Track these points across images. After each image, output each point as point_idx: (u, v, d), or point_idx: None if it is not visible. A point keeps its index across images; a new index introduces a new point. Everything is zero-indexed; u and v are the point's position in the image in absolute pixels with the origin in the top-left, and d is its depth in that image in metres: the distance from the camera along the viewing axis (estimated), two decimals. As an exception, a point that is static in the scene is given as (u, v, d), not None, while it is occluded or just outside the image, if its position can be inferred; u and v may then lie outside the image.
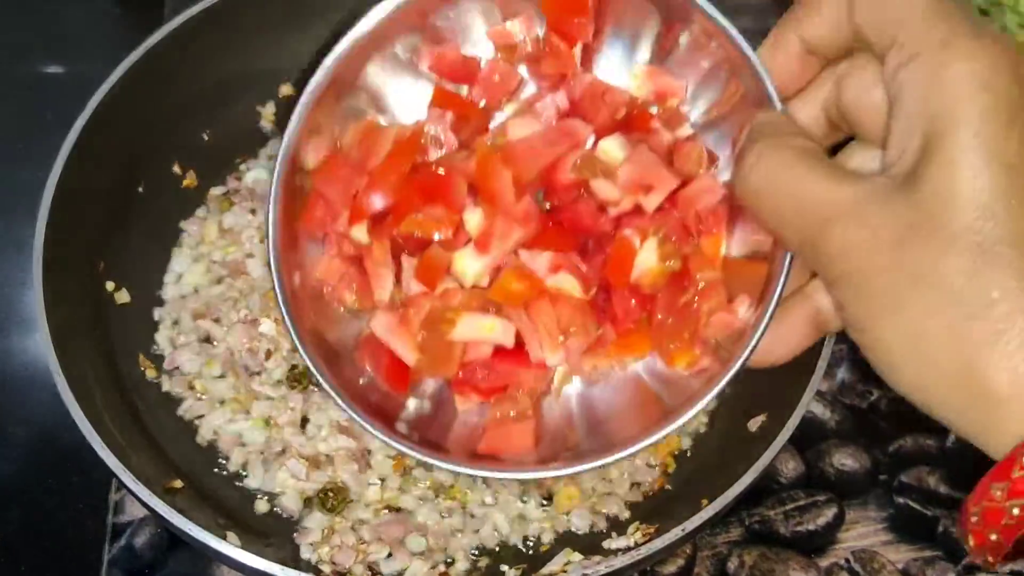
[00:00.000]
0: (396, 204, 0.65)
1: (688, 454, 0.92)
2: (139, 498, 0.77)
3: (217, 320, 0.95)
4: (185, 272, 0.98)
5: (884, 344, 0.51)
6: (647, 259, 0.62)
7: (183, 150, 1.02)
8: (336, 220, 0.66)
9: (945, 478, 0.97)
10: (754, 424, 0.87)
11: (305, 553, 0.85)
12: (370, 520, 0.87)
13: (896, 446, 0.99)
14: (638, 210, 0.63)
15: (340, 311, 0.68)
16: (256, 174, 1.04)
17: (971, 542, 0.50)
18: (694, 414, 0.60)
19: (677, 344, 0.62)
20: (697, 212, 0.62)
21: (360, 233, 0.66)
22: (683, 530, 0.76)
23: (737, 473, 0.78)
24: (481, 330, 0.64)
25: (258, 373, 0.93)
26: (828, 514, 0.95)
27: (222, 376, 0.93)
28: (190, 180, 1.02)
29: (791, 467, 0.97)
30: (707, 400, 0.60)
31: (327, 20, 1.05)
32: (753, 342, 0.59)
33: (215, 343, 0.94)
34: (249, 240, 0.99)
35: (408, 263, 0.66)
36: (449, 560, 0.86)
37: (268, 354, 0.93)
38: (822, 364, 0.82)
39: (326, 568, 0.84)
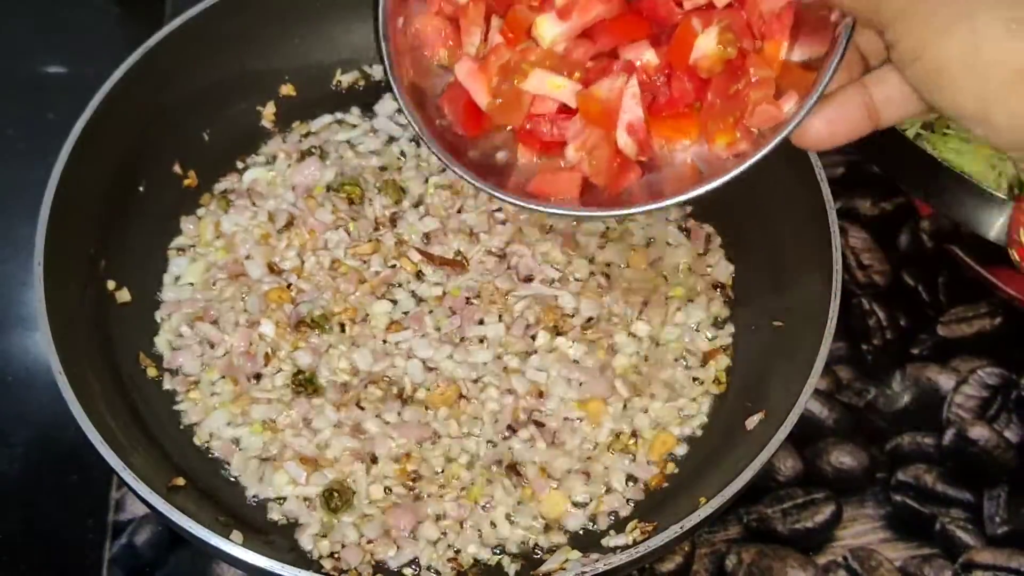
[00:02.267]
0: None
1: (687, 452, 0.92)
2: (140, 496, 0.77)
3: (215, 322, 0.95)
4: (184, 273, 0.99)
5: (942, 62, 0.56)
6: (706, 43, 0.67)
7: (183, 150, 1.02)
8: None
9: (942, 476, 0.97)
10: (752, 422, 0.87)
11: (306, 546, 0.85)
12: (375, 515, 0.87)
13: (893, 444, 0.99)
14: (710, 6, 0.68)
15: (433, 64, 0.75)
16: (255, 173, 1.04)
17: (1021, 237, 0.57)
18: (734, 176, 0.65)
19: (721, 124, 0.67)
20: (762, 13, 0.67)
21: None
22: (681, 528, 0.77)
23: (735, 471, 0.79)
24: (550, 86, 0.70)
25: (258, 376, 0.93)
26: (826, 512, 0.95)
27: (221, 379, 0.93)
28: (190, 180, 1.02)
29: (789, 465, 0.98)
30: (745, 168, 0.65)
31: (327, 21, 1.05)
32: (799, 118, 0.63)
33: (214, 345, 0.95)
34: (248, 241, 0.99)
35: (497, 22, 0.72)
36: (452, 556, 0.86)
37: (268, 358, 0.93)
38: (820, 363, 0.82)
39: (327, 564, 0.84)
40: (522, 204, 0.71)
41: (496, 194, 0.71)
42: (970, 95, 0.56)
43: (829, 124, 0.64)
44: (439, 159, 0.72)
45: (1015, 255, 0.59)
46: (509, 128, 0.73)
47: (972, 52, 0.55)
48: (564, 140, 0.71)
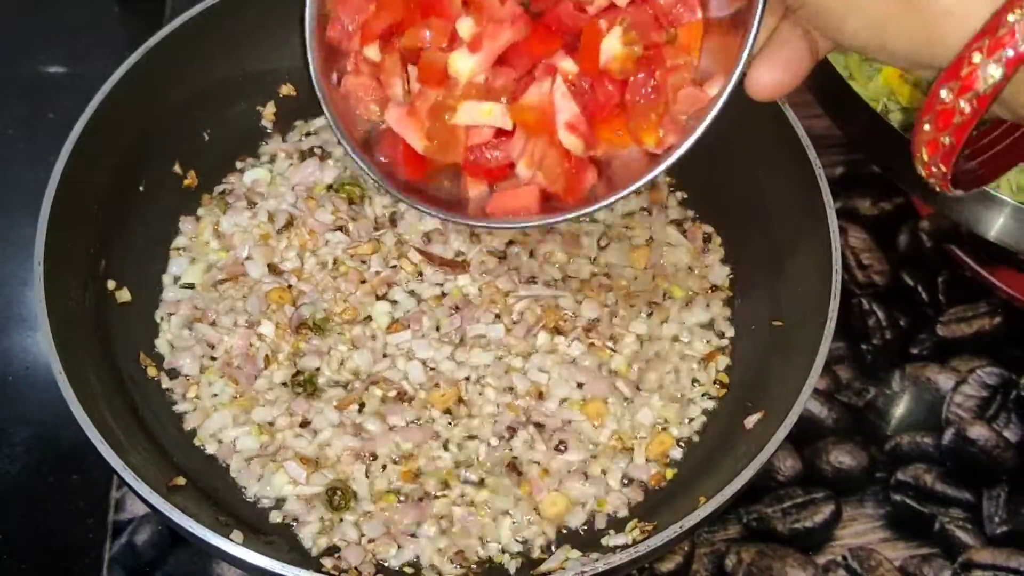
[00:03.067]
0: (400, 23, 0.72)
1: (686, 452, 0.92)
2: (141, 496, 0.77)
3: (214, 323, 0.95)
4: (184, 273, 0.99)
5: (827, 5, 0.56)
6: (611, 45, 0.66)
7: (183, 150, 1.02)
8: (351, 40, 0.73)
9: (942, 476, 0.97)
10: (751, 422, 0.87)
11: (306, 545, 0.86)
12: (376, 515, 0.87)
13: (893, 444, 0.99)
14: (613, 7, 0.67)
15: (370, 117, 0.75)
16: (255, 174, 1.04)
17: (924, 155, 0.55)
18: (685, 150, 0.65)
19: (643, 123, 0.67)
20: (665, 2, 0.66)
21: (372, 52, 0.73)
22: (681, 527, 0.77)
23: (735, 471, 0.79)
24: (480, 114, 0.70)
25: (257, 378, 0.93)
26: (825, 511, 0.96)
27: (221, 380, 0.93)
28: (190, 180, 1.02)
29: (789, 465, 0.98)
30: (695, 137, 0.64)
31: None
32: (732, 83, 0.62)
33: (214, 346, 0.95)
34: (248, 241, 0.99)
35: (414, 71, 0.72)
36: (452, 555, 0.86)
37: (268, 360, 0.93)
38: (819, 363, 0.82)
39: (328, 563, 0.84)
40: (489, 225, 0.72)
41: (460, 221, 0.72)
42: (862, 29, 0.55)
43: (783, 68, 0.63)
44: (406, 203, 0.72)
45: (922, 171, 0.57)
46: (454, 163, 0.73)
47: None
48: (510, 164, 0.71)
